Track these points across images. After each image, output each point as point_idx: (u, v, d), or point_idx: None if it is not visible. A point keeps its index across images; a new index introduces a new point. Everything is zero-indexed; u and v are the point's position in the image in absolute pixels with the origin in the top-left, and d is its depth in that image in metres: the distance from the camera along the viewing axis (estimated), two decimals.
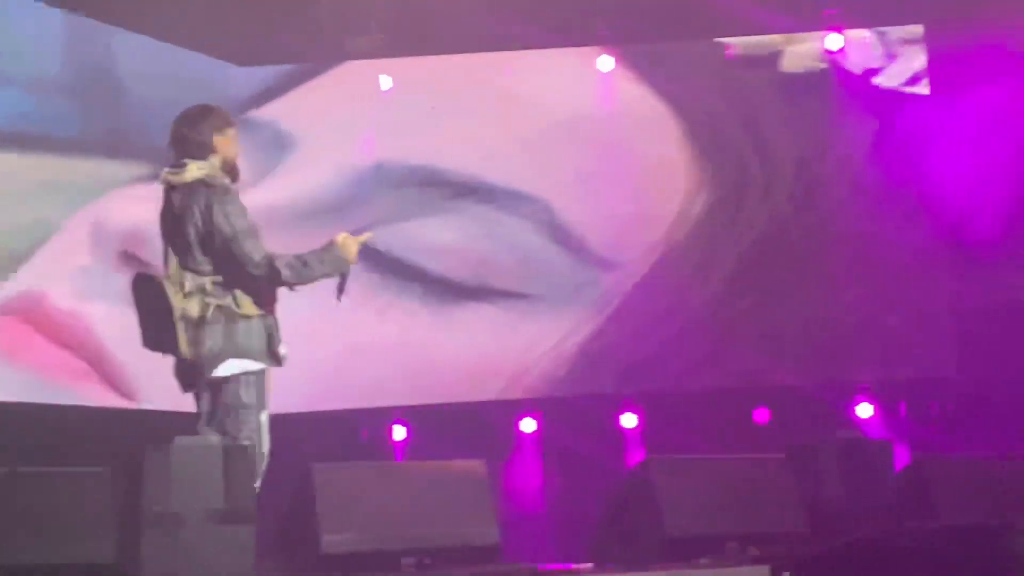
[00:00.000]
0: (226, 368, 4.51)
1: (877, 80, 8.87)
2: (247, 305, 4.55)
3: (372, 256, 8.10)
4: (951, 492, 5.03)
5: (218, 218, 4.52)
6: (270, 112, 8.55)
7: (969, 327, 8.72)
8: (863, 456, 5.08)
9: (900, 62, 8.87)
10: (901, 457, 6.63)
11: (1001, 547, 4.01)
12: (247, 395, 4.52)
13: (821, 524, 4.90)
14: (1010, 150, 8.70)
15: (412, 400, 8.25)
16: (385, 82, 8.57)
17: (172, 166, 4.65)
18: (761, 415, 8.44)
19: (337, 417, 7.97)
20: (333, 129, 8.53)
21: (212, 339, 4.49)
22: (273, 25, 8.20)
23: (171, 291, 4.52)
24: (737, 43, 8.78)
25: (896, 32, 8.87)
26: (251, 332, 4.55)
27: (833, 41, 8.85)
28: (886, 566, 4.05)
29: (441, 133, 8.54)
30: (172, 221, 4.62)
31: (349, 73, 8.62)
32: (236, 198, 4.63)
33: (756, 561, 4.50)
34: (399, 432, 8.37)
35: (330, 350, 8.03)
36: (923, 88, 8.82)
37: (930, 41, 8.78)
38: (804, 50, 8.84)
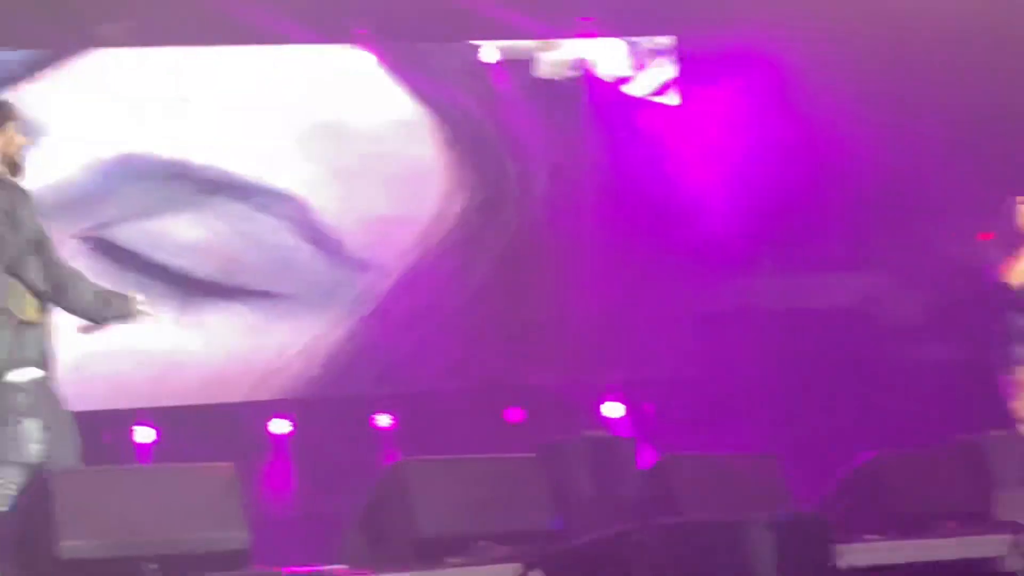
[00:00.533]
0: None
1: (628, 89, 9.11)
2: (31, 311, 4.44)
3: (114, 252, 7.82)
4: (694, 489, 5.20)
5: (36, 221, 4.42)
6: (12, 99, 8.13)
7: (711, 330, 9.06)
8: (610, 454, 5.20)
9: (650, 72, 9.14)
10: (647, 455, 6.81)
11: (741, 541, 4.16)
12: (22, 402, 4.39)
13: (570, 522, 4.98)
14: (753, 161, 9.07)
15: (157, 402, 7.99)
16: (133, 72, 8.29)
17: None
18: (513, 415, 8.55)
19: (77, 419, 7.64)
20: (78, 119, 8.18)
21: None
22: (16, 8, 7.80)
23: None
24: (492, 47, 8.87)
25: (647, 42, 9.12)
26: (32, 340, 4.46)
27: (586, 49, 9.05)
28: (632, 561, 4.14)
29: (192, 127, 8.31)
30: None
31: (96, 61, 8.29)
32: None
33: (506, 559, 4.53)
34: (144, 434, 8.08)
35: (70, 350, 7.69)
36: (673, 98, 9.11)
37: (681, 52, 9.07)
38: (558, 57, 9.00)
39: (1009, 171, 7.97)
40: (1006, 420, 6.74)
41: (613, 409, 8.78)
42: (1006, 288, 6.85)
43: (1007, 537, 5.35)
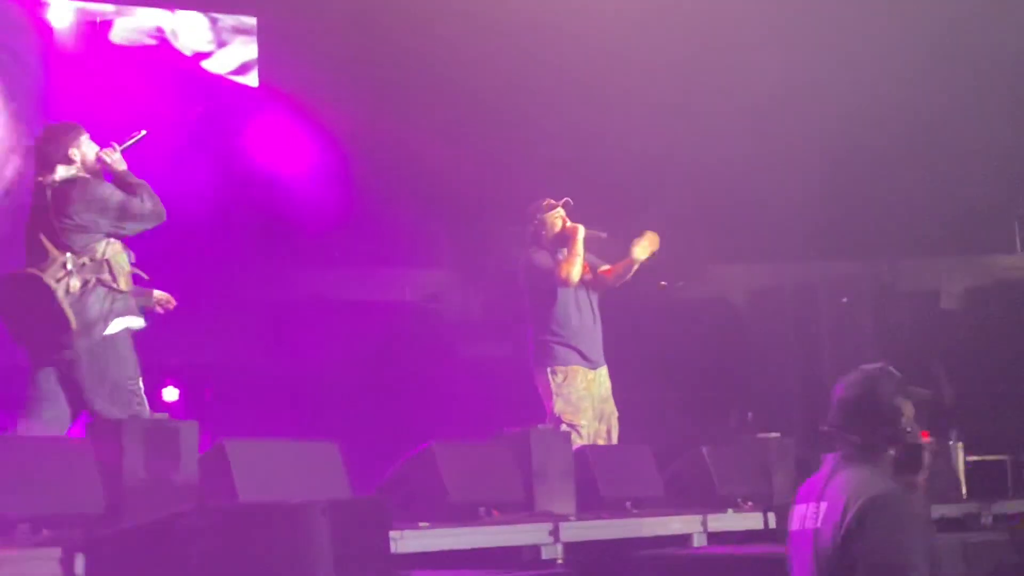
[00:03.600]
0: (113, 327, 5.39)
1: (206, 64, 8.91)
2: (123, 282, 5.45)
3: None
4: (252, 473, 5.13)
5: (104, 191, 5.45)
6: None
7: (281, 317, 9.02)
8: (166, 437, 5.03)
9: (230, 50, 8.98)
10: (205, 440, 6.67)
11: (297, 525, 4.14)
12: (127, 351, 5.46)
13: (120, 505, 4.78)
14: (329, 153, 9.10)
15: None
16: None
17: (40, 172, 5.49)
18: None
19: None
20: None
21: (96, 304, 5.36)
22: None
23: (49, 279, 5.27)
24: (64, 7, 8.41)
25: (229, 20, 8.95)
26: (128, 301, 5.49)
27: (165, 19, 8.78)
28: (184, 545, 4.03)
29: None
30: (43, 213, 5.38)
31: None
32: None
33: (47, 543, 4.28)
34: None
35: None
36: (252, 79, 8.98)
37: (263, 33, 8.98)
38: (135, 23, 8.66)
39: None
40: (547, 417, 7.09)
41: (171, 393, 8.56)
42: (548, 286, 7.15)
43: (546, 525, 5.64)
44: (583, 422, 7.09)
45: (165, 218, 5.60)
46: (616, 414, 7.24)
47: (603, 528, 5.99)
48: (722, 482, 6.83)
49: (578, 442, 6.82)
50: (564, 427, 6.97)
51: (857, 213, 9.99)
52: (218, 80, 8.92)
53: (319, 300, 9.31)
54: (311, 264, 9.35)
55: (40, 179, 5.51)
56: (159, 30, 8.63)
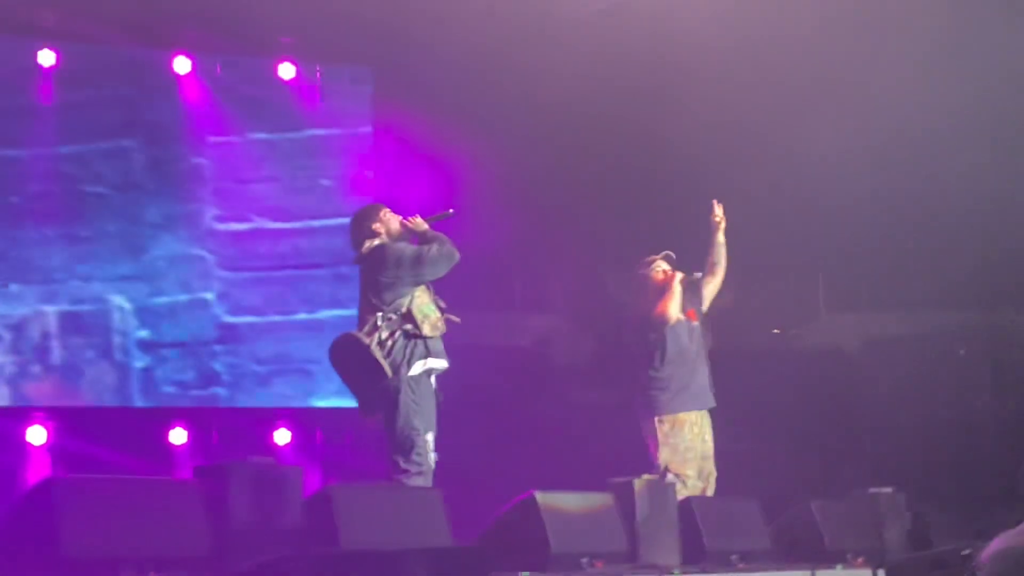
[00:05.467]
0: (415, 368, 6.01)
1: (321, 113, 9.09)
2: (427, 328, 6.07)
3: None
4: (354, 518, 5.17)
5: (398, 248, 6.21)
6: None
7: None
8: (272, 481, 5.11)
9: (345, 100, 9.15)
10: (312, 483, 6.74)
11: (398, 571, 4.17)
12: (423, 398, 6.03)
13: (226, 548, 4.85)
14: (440, 201, 9.17)
15: None
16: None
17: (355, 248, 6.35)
18: (179, 436, 8.30)
19: None
20: None
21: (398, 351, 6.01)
22: None
23: (363, 336, 6.00)
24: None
25: (344, 72, 9.14)
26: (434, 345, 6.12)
27: (286, 70, 8.99)
28: None
29: None
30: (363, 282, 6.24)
31: None
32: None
33: None
34: None
35: None
36: (366, 127, 9.15)
37: (377, 83, 9.12)
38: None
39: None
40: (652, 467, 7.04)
41: (283, 436, 8.68)
42: (654, 333, 7.19)
43: None
44: (689, 472, 7.04)
45: (457, 258, 6.22)
46: (715, 475, 7.18)
47: None
48: (832, 537, 6.71)
49: (683, 493, 6.76)
50: (670, 477, 6.92)
51: (977, 262, 9.76)
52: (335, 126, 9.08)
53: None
54: None
55: (354, 255, 6.34)
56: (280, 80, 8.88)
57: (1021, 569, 3.55)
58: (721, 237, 7.39)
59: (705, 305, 7.43)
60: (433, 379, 6.15)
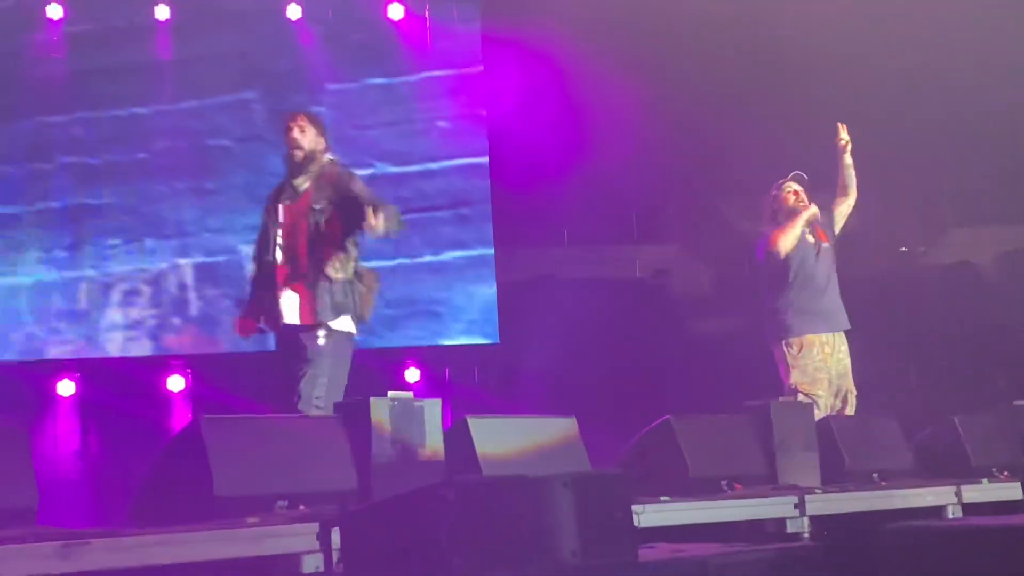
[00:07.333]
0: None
1: (432, 54, 9.09)
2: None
3: None
4: (492, 448, 5.23)
5: None
6: None
7: (509, 300, 9.13)
8: (412, 414, 5.17)
9: (454, 38, 9.14)
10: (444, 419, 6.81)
11: (542, 499, 4.18)
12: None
13: (371, 481, 4.94)
14: (556, 135, 9.13)
15: None
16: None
17: None
18: None
19: None
20: None
21: None
22: None
23: None
24: None
25: (452, 9, 9.12)
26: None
27: (395, 11, 9.00)
28: (431, 516, 4.12)
29: None
30: None
31: None
32: None
33: (304, 519, 4.46)
34: None
35: None
36: (476, 66, 9.12)
37: (484, 18, 9.09)
38: None
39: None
40: (782, 389, 7.00)
41: (413, 374, 8.79)
42: (775, 258, 7.12)
43: (791, 498, 5.55)
44: (820, 392, 6.98)
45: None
46: (854, 392, 7.10)
47: (851, 501, 5.82)
48: (976, 452, 6.58)
49: (817, 414, 6.70)
50: (801, 398, 6.87)
51: None
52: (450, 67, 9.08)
53: (546, 279, 9.37)
54: (536, 243, 9.41)
55: None
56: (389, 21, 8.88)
57: None
58: (848, 159, 7.27)
59: (837, 228, 7.34)
60: None
